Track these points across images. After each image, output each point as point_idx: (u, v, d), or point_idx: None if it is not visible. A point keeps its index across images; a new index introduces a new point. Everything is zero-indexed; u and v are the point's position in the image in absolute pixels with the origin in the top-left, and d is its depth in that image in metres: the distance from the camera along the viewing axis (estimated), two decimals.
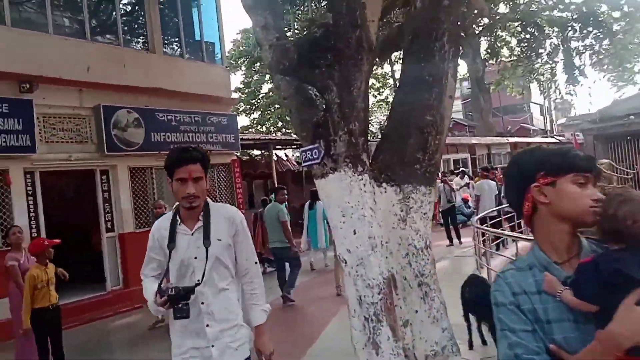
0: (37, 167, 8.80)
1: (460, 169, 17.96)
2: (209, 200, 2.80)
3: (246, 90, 33.60)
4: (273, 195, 10.58)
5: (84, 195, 10.29)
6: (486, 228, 7.70)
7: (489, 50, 24.51)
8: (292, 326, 7.30)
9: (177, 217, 2.75)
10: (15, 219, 8.30)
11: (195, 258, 2.67)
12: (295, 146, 19.77)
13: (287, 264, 8.48)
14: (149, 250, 2.85)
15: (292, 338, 6.46)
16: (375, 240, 3.62)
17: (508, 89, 30.75)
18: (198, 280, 2.61)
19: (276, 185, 13.53)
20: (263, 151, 19.41)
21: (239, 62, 33.24)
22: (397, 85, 4.41)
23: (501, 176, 12.68)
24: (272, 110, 32.19)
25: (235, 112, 12.55)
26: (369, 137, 4.01)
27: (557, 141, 33.08)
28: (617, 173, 15.23)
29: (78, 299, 8.47)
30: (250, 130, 32.44)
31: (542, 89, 32.71)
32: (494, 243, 8.93)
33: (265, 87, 33.37)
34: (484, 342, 5.41)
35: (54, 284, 5.74)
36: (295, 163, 20.62)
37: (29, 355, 5.93)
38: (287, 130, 30.01)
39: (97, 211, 9.66)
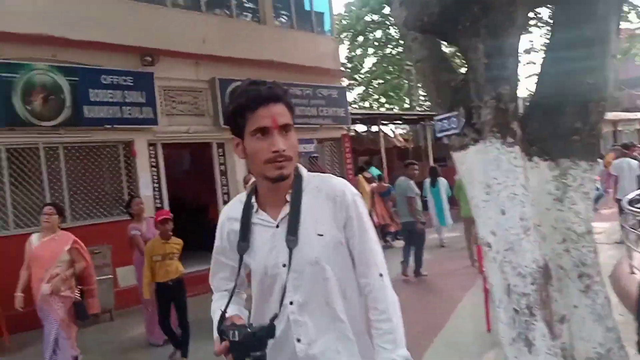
0: (159, 139, 9.16)
1: None
2: (301, 168, 1.81)
3: (349, 65, 33.20)
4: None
5: (200, 167, 10.62)
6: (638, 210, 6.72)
7: None
8: (425, 302, 6.97)
9: (253, 200, 1.77)
10: (140, 190, 8.71)
11: (284, 266, 1.67)
12: (401, 122, 19.15)
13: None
14: (215, 252, 1.89)
15: (424, 315, 6.12)
16: (527, 223, 3.12)
17: (637, 58, 27.48)
18: (285, 305, 1.66)
19: (386, 160, 13.18)
20: (369, 126, 19.02)
21: (340, 36, 32.82)
22: (549, 43, 3.79)
23: None
24: (376, 85, 31.52)
25: (345, 86, 12.27)
26: None
27: None
28: None
29: (196, 269, 8.78)
30: (352, 106, 32.10)
31: None
32: None
33: (369, 62, 32.71)
34: None
35: (174, 258, 5.74)
36: (401, 139, 20.02)
37: (154, 323, 6.14)
38: (391, 107, 29.29)
39: (214, 183, 9.92)
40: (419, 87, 25.12)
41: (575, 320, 3.19)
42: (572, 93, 3.29)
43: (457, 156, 3.48)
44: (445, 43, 4.09)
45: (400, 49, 28.66)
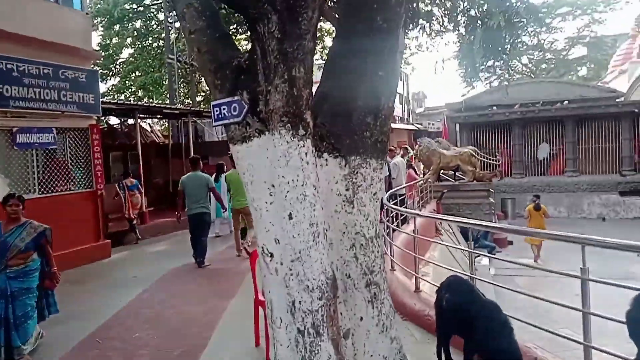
0: None
1: None
2: None
3: (103, 54, 29.96)
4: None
5: None
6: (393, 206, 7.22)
7: None
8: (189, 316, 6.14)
9: None
10: None
11: None
12: (160, 116, 17.90)
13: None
14: None
15: (189, 329, 5.32)
16: (318, 228, 2.73)
17: None
18: None
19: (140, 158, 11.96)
20: (124, 119, 17.23)
21: (94, 22, 29.45)
22: (336, 30, 3.52)
23: None
24: (134, 77, 29.18)
25: (96, 69, 10.57)
26: None
27: (416, 128, 35.02)
28: (480, 159, 16.16)
29: None
30: (107, 98, 29.11)
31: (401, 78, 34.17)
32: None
33: (126, 52, 30.10)
34: None
35: None
36: (160, 135, 18.73)
37: None
38: (150, 101, 27.47)
39: None
40: (181, 82, 24.05)
41: (359, 333, 2.93)
42: (362, 84, 3.04)
43: (237, 150, 2.91)
44: (228, 13, 3.49)
45: (161, 42, 27.09)
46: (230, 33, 3.05)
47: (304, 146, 2.73)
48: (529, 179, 18.94)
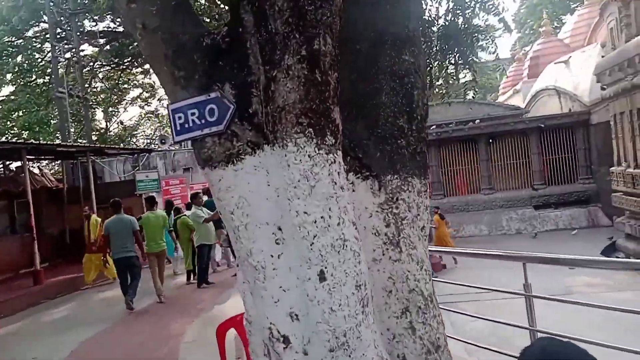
0: None
1: None
2: None
3: None
4: None
5: None
6: None
7: None
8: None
9: None
10: None
11: None
12: (52, 157, 15.74)
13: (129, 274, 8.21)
14: None
15: None
16: (366, 292, 1.73)
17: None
18: None
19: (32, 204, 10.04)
20: (7, 162, 14.87)
21: None
22: None
23: None
24: (15, 117, 26.12)
25: None
26: None
27: None
28: None
29: None
30: None
31: None
32: None
33: (6, 90, 26.88)
34: None
35: None
36: (52, 178, 16.47)
37: None
38: (39, 142, 24.61)
39: None
40: (73, 120, 21.74)
41: None
42: (386, 72, 2.13)
43: (219, 177, 1.84)
44: None
45: (47, 78, 24.56)
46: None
47: (334, 162, 1.74)
48: (448, 199, 19.02)
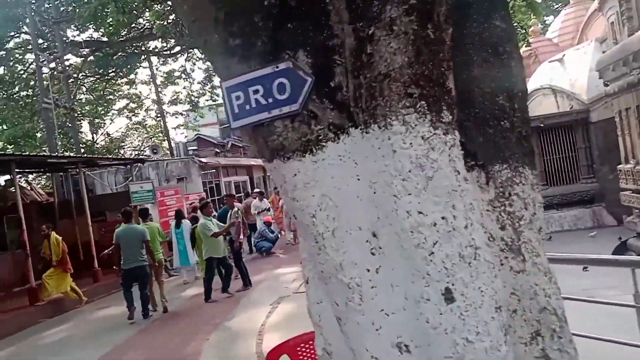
0: None
1: (258, 190, 16.05)
2: None
3: None
4: None
5: None
6: None
7: None
8: None
9: None
10: None
11: None
12: (42, 170, 15.14)
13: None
14: None
15: None
16: (503, 316, 1.31)
17: None
18: None
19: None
20: None
21: None
22: None
23: None
24: (0, 131, 25.35)
25: None
26: None
27: None
28: None
29: None
30: None
31: None
32: None
33: None
34: None
35: None
36: (42, 192, 15.86)
37: None
38: (28, 155, 23.87)
39: None
40: (59, 133, 21.10)
41: None
42: (476, 38, 1.73)
43: (295, 170, 1.42)
44: None
45: (30, 91, 23.86)
46: None
47: (454, 145, 1.33)
48: None
